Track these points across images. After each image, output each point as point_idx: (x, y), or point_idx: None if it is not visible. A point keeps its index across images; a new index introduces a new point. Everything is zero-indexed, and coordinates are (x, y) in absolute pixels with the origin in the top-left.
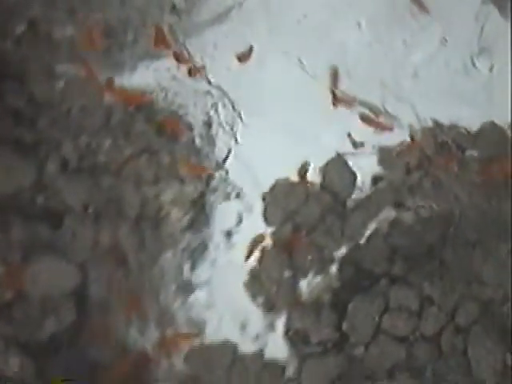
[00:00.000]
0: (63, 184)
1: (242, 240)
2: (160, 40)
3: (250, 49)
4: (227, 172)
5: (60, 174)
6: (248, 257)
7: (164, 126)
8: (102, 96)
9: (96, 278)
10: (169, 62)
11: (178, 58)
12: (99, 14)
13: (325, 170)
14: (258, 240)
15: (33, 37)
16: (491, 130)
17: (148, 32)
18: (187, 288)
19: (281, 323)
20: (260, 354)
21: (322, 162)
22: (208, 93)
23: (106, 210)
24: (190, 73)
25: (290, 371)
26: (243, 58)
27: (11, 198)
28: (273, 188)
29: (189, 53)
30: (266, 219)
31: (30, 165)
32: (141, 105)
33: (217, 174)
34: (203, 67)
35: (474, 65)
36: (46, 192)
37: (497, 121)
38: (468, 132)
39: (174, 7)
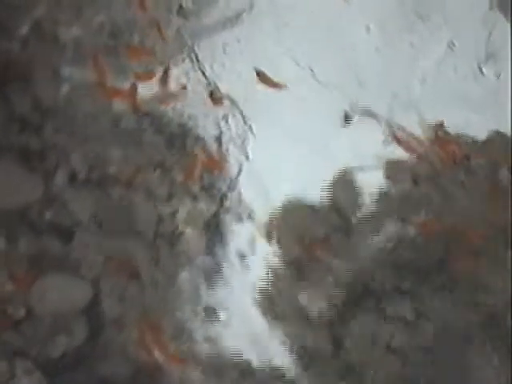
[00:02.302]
0: (71, 196)
1: (256, 261)
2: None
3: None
4: (239, 191)
5: (68, 186)
6: (268, 237)
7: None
8: (110, 102)
9: (108, 294)
10: (176, 71)
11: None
12: (105, 14)
13: (332, 187)
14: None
15: (38, 38)
16: (498, 139)
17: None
18: (206, 311)
19: (289, 340)
20: (268, 367)
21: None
22: None
23: (117, 224)
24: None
25: None
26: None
27: (20, 213)
28: (283, 210)
29: (197, 58)
30: (278, 241)
31: (38, 179)
32: (151, 114)
33: (229, 194)
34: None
35: (481, 71)
36: (55, 205)
37: (503, 127)
38: (474, 141)
39: (180, 7)
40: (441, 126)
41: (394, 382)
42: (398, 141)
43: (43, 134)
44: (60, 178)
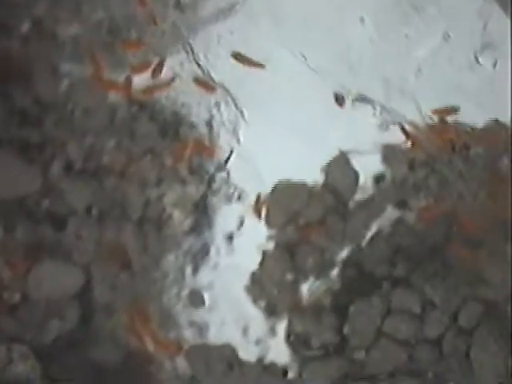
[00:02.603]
0: (67, 186)
1: (244, 243)
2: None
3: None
4: (229, 173)
5: (64, 176)
6: (259, 215)
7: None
8: (106, 95)
9: (100, 280)
10: (171, 61)
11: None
12: (104, 11)
13: (327, 169)
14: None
15: (38, 36)
16: (496, 127)
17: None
18: (192, 296)
19: (282, 327)
20: (260, 357)
21: (326, 161)
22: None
23: (110, 212)
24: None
25: (291, 375)
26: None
27: (18, 202)
28: (274, 189)
29: (192, 49)
30: (268, 222)
31: (37, 170)
32: (145, 104)
33: (218, 175)
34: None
35: (477, 61)
36: (51, 194)
37: (500, 117)
38: (472, 129)
39: (178, 2)
40: (440, 112)
41: None
42: (404, 131)
43: (42, 127)
44: (56, 169)
